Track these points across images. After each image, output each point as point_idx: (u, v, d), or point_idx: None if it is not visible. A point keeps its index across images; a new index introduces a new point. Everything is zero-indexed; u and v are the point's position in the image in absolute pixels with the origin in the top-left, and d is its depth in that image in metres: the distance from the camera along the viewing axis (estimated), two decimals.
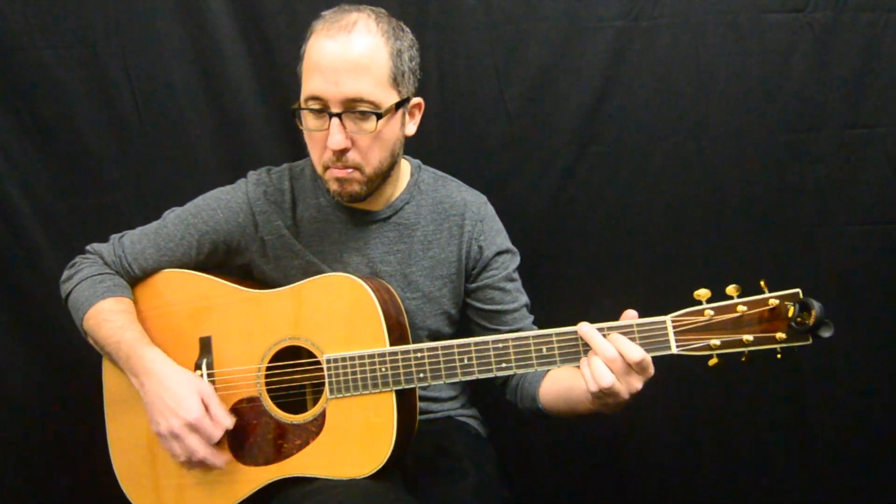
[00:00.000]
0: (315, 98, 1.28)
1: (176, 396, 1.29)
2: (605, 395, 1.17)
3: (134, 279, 1.47)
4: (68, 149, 1.86)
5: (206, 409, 1.30)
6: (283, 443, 1.34)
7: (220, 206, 1.45)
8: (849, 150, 1.80)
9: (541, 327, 1.54)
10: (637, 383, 1.17)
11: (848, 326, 1.78)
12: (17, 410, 1.94)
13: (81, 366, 1.67)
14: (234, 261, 1.48)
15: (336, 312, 1.32)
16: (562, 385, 1.37)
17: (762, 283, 1.16)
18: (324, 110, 1.27)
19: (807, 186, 1.82)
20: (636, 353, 1.16)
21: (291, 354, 1.36)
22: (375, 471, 1.27)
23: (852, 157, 1.80)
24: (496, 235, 1.51)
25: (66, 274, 1.49)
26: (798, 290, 1.15)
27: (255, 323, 1.38)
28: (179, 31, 1.81)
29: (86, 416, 1.77)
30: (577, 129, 1.83)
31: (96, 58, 1.82)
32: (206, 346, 1.40)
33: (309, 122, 1.31)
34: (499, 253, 1.50)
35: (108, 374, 1.47)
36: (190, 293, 1.43)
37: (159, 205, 1.52)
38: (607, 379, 1.15)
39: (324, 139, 1.29)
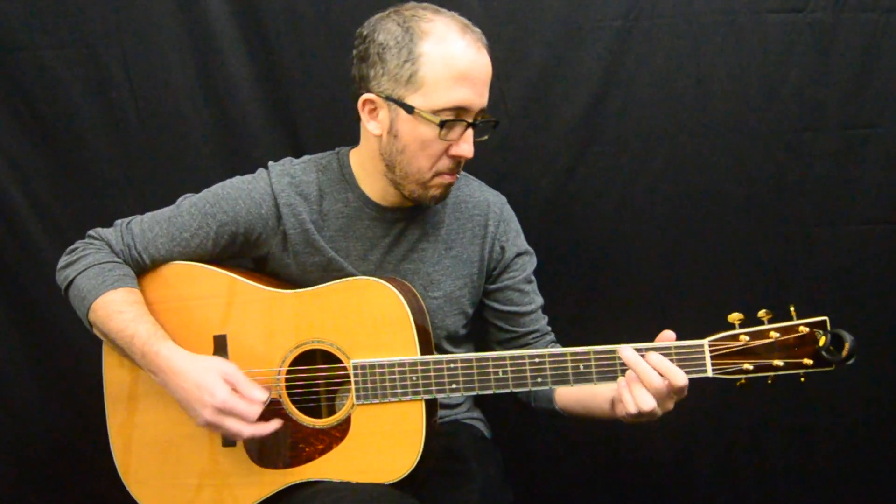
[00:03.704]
0: (459, 108, 1.26)
1: (199, 385, 1.25)
2: (641, 415, 1.18)
3: (142, 269, 1.41)
4: (68, 149, 1.86)
5: (235, 388, 1.26)
6: (304, 447, 1.32)
7: (242, 195, 1.39)
8: (849, 150, 1.80)
9: None
10: (671, 404, 1.20)
11: (848, 326, 1.78)
12: (17, 410, 1.94)
13: (81, 365, 1.67)
14: (251, 253, 1.44)
15: (364, 317, 1.30)
16: (582, 391, 1.36)
17: (791, 309, 1.18)
18: (459, 120, 1.27)
19: (807, 186, 1.82)
20: (681, 378, 1.16)
21: (306, 358, 1.35)
22: (401, 479, 1.26)
23: (852, 157, 1.80)
24: (517, 237, 1.51)
25: (65, 259, 1.41)
26: (825, 318, 1.18)
27: (274, 324, 1.35)
28: (179, 31, 1.81)
29: (86, 416, 1.77)
30: (577, 129, 1.83)
31: (96, 58, 1.82)
32: (220, 344, 1.37)
33: (434, 131, 1.27)
34: (519, 254, 1.50)
35: (109, 371, 1.44)
36: (203, 288, 1.39)
37: (159, 205, 1.49)
38: (649, 404, 1.16)
39: (445, 147, 1.29)
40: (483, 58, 1.29)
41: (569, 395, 1.41)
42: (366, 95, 1.30)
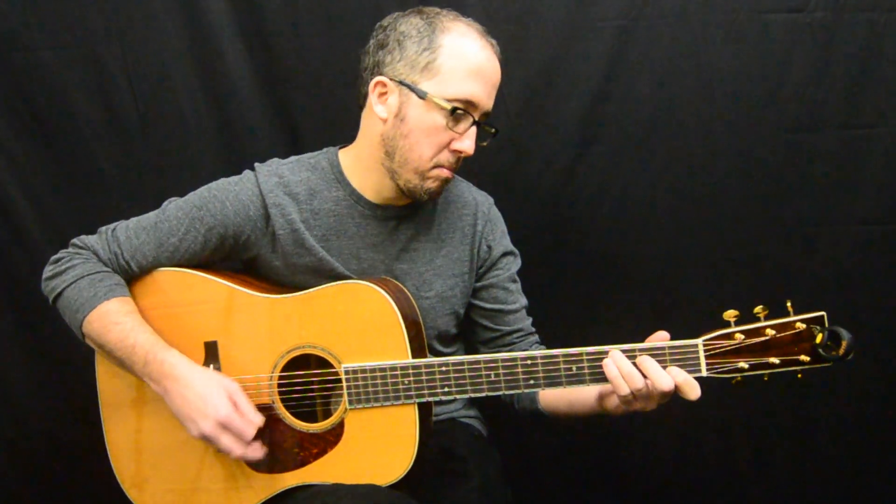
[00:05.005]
0: (468, 102, 1.30)
1: (203, 397, 1.25)
2: (635, 400, 1.19)
3: (131, 277, 1.40)
4: (68, 149, 1.86)
5: (235, 406, 1.26)
6: (299, 451, 1.32)
7: (229, 197, 1.37)
8: (849, 150, 1.80)
9: (540, 327, 1.56)
10: (665, 399, 1.20)
11: (848, 326, 1.78)
12: (18, 410, 1.94)
13: (81, 366, 1.66)
14: (241, 255, 1.42)
15: (354, 321, 1.30)
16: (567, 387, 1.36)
17: (788, 304, 1.17)
18: (466, 113, 1.30)
19: (807, 186, 1.82)
20: (665, 382, 1.17)
21: (300, 362, 1.34)
22: (395, 482, 1.26)
23: (852, 157, 1.80)
24: (503, 237, 1.54)
25: (50, 270, 1.39)
26: (823, 313, 1.16)
27: (265, 329, 1.35)
28: (179, 31, 1.81)
29: (85, 417, 1.77)
30: (577, 129, 1.83)
31: (96, 58, 1.82)
32: (211, 350, 1.36)
33: (442, 119, 1.30)
34: (505, 254, 1.52)
35: (103, 378, 1.43)
36: (194, 294, 1.38)
37: (159, 205, 1.48)
38: (640, 381, 1.17)
39: (448, 139, 1.31)
40: (496, 63, 1.34)
41: (552, 393, 1.41)
42: (379, 78, 1.33)
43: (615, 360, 1.19)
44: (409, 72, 1.30)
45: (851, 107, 1.78)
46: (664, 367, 1.18)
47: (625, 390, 1.18)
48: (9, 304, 1.91)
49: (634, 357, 1.19)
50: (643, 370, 1.18)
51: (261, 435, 1.30)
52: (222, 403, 1.25)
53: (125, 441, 1.42)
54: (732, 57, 1.78)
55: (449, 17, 1.32)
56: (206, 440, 1.27)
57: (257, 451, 1.28)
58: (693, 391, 1.17)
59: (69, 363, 1.88)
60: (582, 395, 1.33)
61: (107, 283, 1.36)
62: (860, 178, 1.81)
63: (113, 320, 1.32)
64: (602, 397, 1.29)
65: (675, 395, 1.19)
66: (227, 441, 1.25)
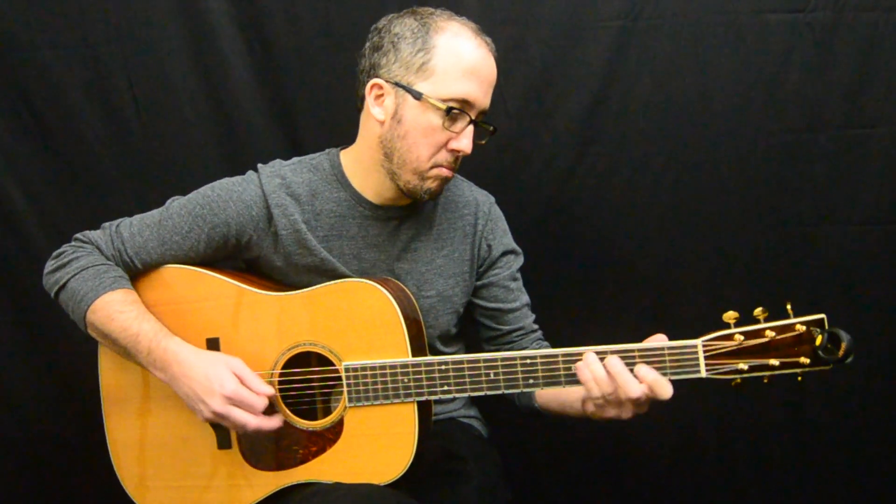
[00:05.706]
0: (464, 101, 1.30)
1: (208, 376, 1.27)
2: (606, 403, 1.19)
3: (134, 273, 1.41)
4: (68, 149, 1.87)
5: (241, 380, 1.27)
6: (298, 448, 1.33)
7: (233, 197, 1.38)
8: (849, 150, 1.80)
9: (539, 326, 1.55)
10: (628, 412, 1.20)
11: (848, 326, 1.78)
12: (18, 410, 1.94)
13: (81, 365, 1.67)
14: (243, 255, 1.44)
15: (355, 319, 1.30)
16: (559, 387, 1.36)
17: (788, 306, 1.16)
18: (463, 112, 1.31)
19: (807, 186, 1.82)
20: (633, 388, 1.16)
21: (300, 360, 1.35)
22: (394, 480, 1.27)
23: (852, 157, 1.80)
24: (503, 235, 1.54)
25: (53, 264, 1.41)
26: (823, 315, 1.15)
27: (266, 327, 1.35)
28: (179, 32, 1.82)
29: (86, 416, 1.77)
30: (577, 129, 1.83)
31: (96, 58, 1.82)
32: (213, 347, 1.37)
33: (439, 119, 1.31)
34: (505, 252, 1.52)
35: (106, 374, 1.44)
36: (196, 291, 1.39)
37: (159, 205, 1.48)
38: (608, 385, 1.17)
39: (445, 138, 1.32)
40: (491, 61, 1.34)
41: (546, 391, 1.40)
42: (374, 80, 1.33)
43: (588, 363, 1.18)
44: (405, 73, 1.31)
45: (851, 107, 1.78)
46: (633, 367, 1.17)
47: (595, 393, 1.18)
48: (9, 303, 1.92)
49: (633, 361, 1.18)
50: (610, 373, 1.17)
51: (258, 434, 1.30)
52: (227, 378, 1.26)
53: (127, 438, 1.43)
54: (732, 57, 1.78)
55: (443, 17, 1.33)
56: (219, 419, 1.27)
57: (272, 422, 1.29)
58: (664, 390, 1.15)
59: (69, 362, 1.89)
60: (570, 397, 1.33)
61: (111, 274, 1.37)
62: (860, 178, 1.81)
63: (117, 309, 1.33)
64: (584, 401, 1.27)
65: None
66: (238, 415, 1.26)
